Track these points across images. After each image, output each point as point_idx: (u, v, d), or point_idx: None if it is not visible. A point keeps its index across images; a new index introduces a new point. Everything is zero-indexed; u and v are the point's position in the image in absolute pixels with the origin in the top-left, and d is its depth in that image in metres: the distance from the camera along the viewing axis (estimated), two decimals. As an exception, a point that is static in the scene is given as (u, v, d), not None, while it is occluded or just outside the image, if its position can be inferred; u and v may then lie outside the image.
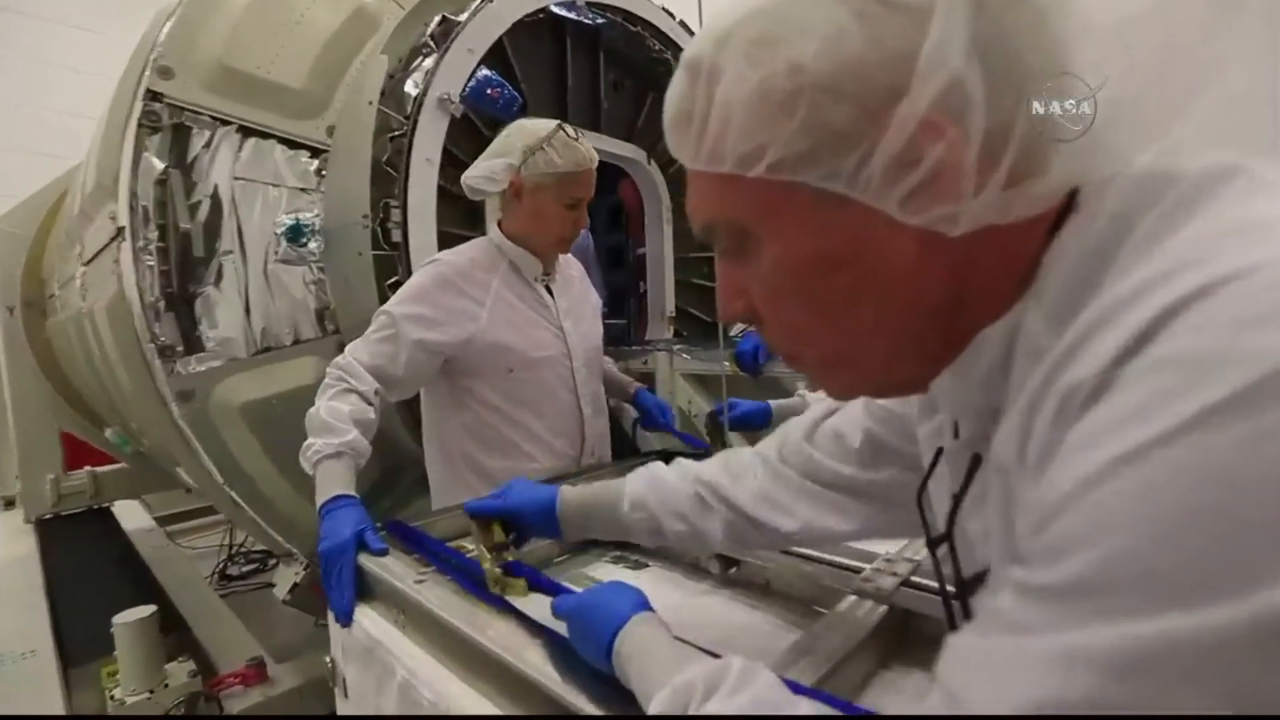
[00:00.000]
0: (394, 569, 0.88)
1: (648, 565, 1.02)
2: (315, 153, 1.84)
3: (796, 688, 0.51)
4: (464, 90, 1.83)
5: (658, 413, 1.61)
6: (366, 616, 0.88)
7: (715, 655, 0.58)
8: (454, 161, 1.89)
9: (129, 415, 2.31)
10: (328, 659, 0.97)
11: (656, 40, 2.48)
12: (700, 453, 1.47)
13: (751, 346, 2.00)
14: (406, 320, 1.28)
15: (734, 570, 0.93)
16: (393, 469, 1.86)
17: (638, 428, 1.69)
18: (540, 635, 0.67)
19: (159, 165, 1.62)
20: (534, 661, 0.63)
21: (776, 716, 0.44)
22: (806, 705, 0.46)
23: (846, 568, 0.81)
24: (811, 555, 0.86)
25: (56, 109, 4.78)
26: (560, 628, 0.65)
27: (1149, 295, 0.30)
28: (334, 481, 1.06)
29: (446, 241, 1.80)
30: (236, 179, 1.72)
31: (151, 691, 1.75)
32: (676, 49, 2.53)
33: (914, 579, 0.76)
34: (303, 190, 1.81)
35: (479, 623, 0.71)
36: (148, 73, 1.61)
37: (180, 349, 1.65)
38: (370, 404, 1.21)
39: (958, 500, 0.46)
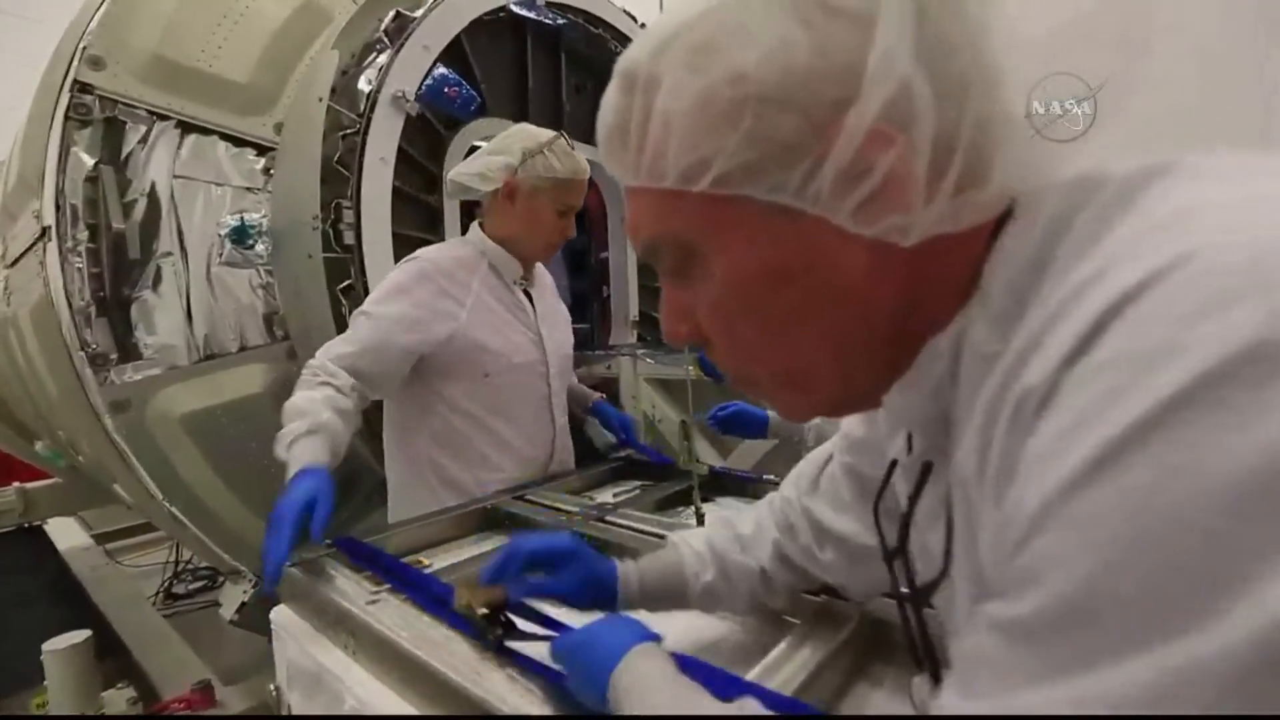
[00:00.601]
0: (344, 589, 0.83)
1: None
2: (262, 150, 1.76)
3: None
4: (420, 88, 1.78)
5: (619, 427, 1.59)
6: (312, 640, 0.83)
7: (726, 674, 0.56)
8: (409, 162, 1.83)
9: (60, 427, 2.17)
10: (271, 686, 0.91)
11: (618, 43, 2.46)
12: (666, 467, 1.45)
13: (716, 350, 2.00)
14: (386, 318, 1.24)
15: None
16: (347, 479, 1.79)
17: (600, 434, 1.66)
18: (534, 678, 0.62)
19: (89, 161, 1.53)
20: (497, 689, 0.59)
21: None
22: None
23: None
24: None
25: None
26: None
27: (1088, 295, 0.29)
28: (303, 455, 1.02)
29: (401, 244, 1.75)
30: (176, 177, 1.63)
31: (87, 715, 1.65)
32: (638, 51, 2.52)
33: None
34: (249, 189, 1.73)
35: (439, 647, 0.67)
36: (76, 62, 1.51)
37: (114, 357, 1.55)
38: (347, 396, 1.16)
39: (909, 511, 0.45)
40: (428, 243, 1.91)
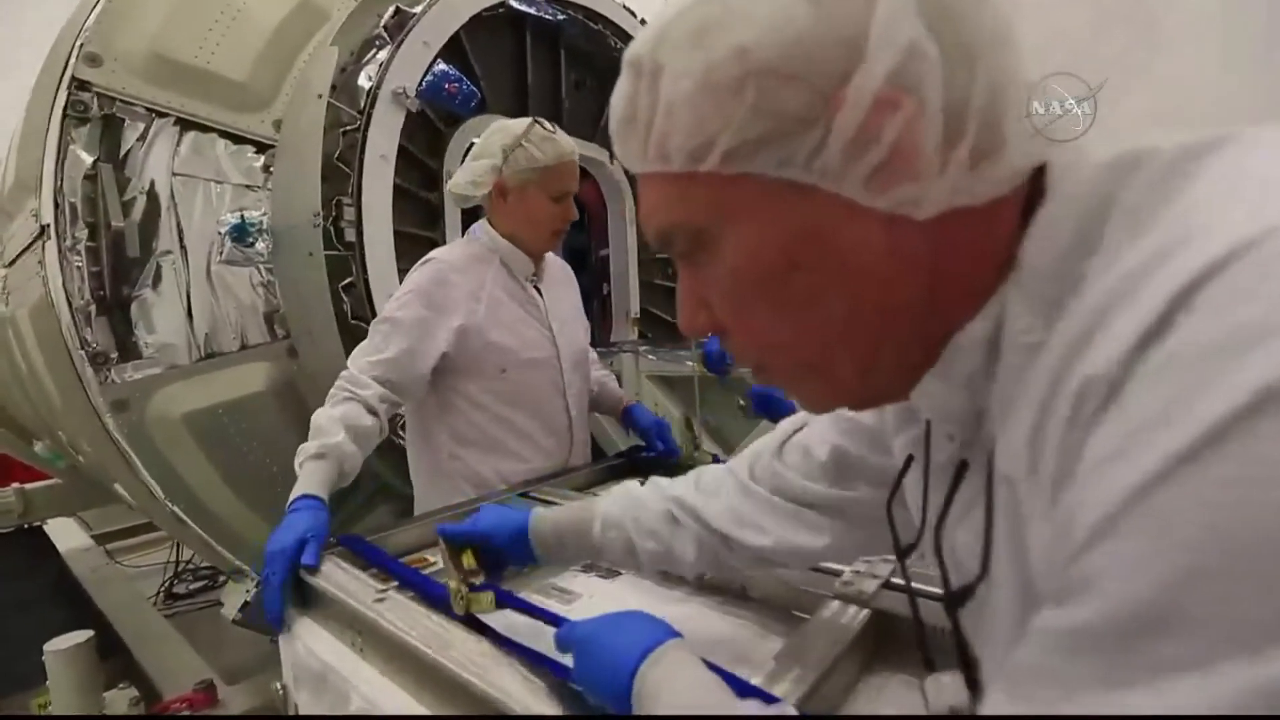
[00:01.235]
0: (349, 587, 0.82)
1: (620, 573, 0.99)
2: (261, 148, 1.75)
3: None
4: (420, 84, 1.77)
5: (654, 434, 1.50)
6: (318, 638, 0.82)
7: (758, 691, 0.55)
8: (409, 159, 1.83)
9: (59, 428, 2.16)
10: (277, 685, 0.91)
11: (618, 39, 2.45)
12: (670, 463, 1.44)
13: (719, 347, 1.99)
14: (409, 324, 1.25)
15: (709, 576, 0.90)
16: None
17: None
18: (532, 666, 0.61)
19: (87, 159, 1.52)
20: (507, 687, 0.59)
21: None
22: None
23: (825, 571, 0.79)
24: (788, 558, 0.83)
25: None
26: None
27: (1155, 275, 0.27)
28: (307, 481, 1.04)
29: (401, 242, 1.74)
30: (175, 175, 1.62)
31: (92, 716, 1.64)
32: (639, 47, 2.51)
33: (895, 581, 0.75)
34: (248, 187, 1.72)
35: (446, 644, 0.66)
36: (74, 60, 1.50)
37: (114, 356, 1.54)
38: (372, 411, 1.18)
39: (944, 512, 0.43)
40: (428, 240, 1.92)
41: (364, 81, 1.70)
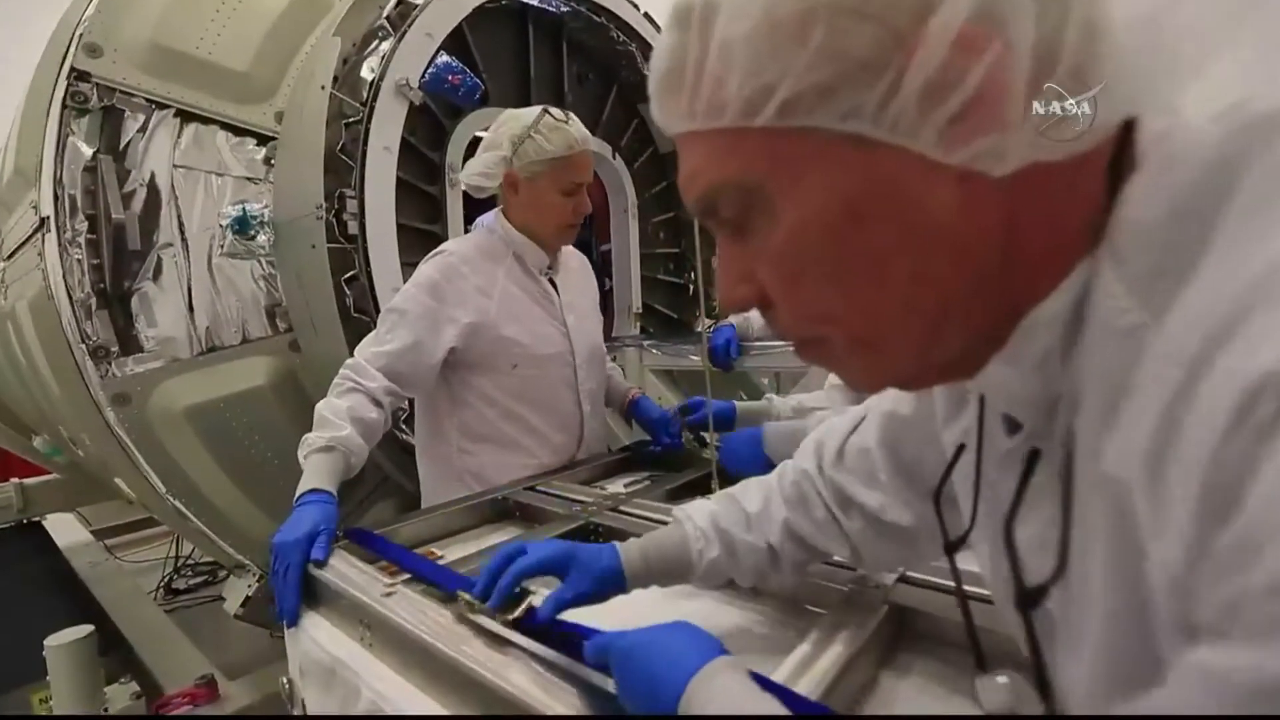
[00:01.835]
0: (357, 580, 0.82)
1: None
2: (263, 140, 1.74)
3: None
4: (423, 76, 1.75)
5: (662, 429, 1.48)
6: (326, 632, 0.81)
7: (816, 706, 0.53)
8: (411, 151, 1.81)
9: (59, 422, 2.15)
10: (284, 680, 0.90)
11: (621, 32, 2.43)
12: (675, 456, 1.42)
13: (724, 341, 1.98)
14: (417, 315, 1.23)
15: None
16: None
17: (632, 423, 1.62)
18: (558, 672, 0.60)
19: (87, 150, 1.51)
20: (521, 684, 0.58)
21: None
22: None
23: (839, 564, 0.78)
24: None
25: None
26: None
27: None
28: (315, 475, 1.03)
29: (404, 235, 1.73)
30: (176, 166, 1.61)
31: (93, 715, 1.64)
32: (641, 41, 2.49)
33: (910, 574, 0.74)
34: (250, 179, 1.71)
35: (457, 639, 0.65)
36: (73, 50, 1.49)
37: (115, 349, 1.53)
38: (377, 403, 1.16)
39: (1014, 505, 0.40)
40: (431, 234, 1.90)
41: (366, 73, 1.68)
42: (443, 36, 1.80)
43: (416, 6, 1.76)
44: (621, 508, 1.07)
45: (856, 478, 0.64)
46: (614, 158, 2.64)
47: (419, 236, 1.84)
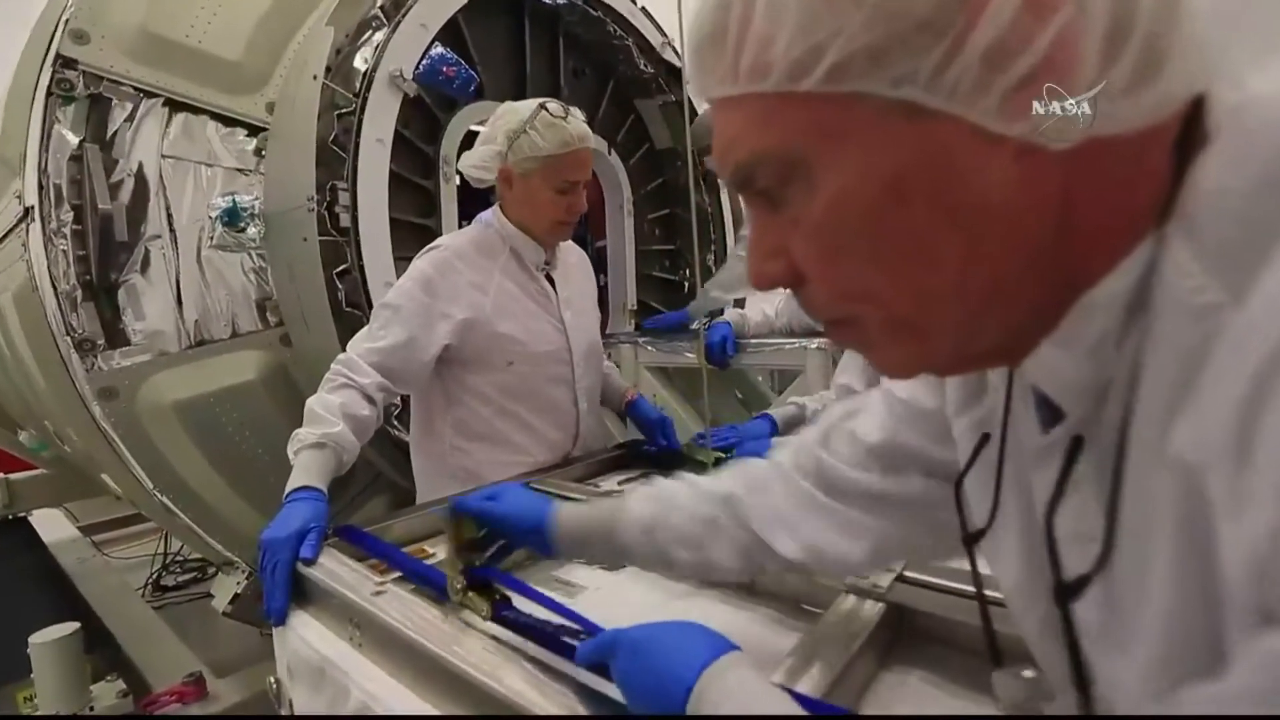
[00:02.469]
0: (346, 579, 0.80)
1: (623, 565, 0.97)
2: (254, 130, 1.71)
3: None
4: (417, 68, 1.73)
5: (658, 431, 1.46)
6: (315, 631, 0.80)
7: (830, 707, 0.52)
8: (404, 144, 1.79)
9: (45, 416, 2.12)
10: (271, 679, 0.88)
11: (617, 26, 2.42)
12: (667, 454, 1.41)
13: (720, 338, 1.97)
14: (410, 311, 1.22)
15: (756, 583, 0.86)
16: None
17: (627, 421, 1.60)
18: (554, 675, 0.58)
19: (73, 139, 1.48)
20: (512, 683, 0.57)
21: None
22: None
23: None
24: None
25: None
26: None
27: None
28: (305, 471, 1.01)
29: (398, 230, 1.71)
30: (164, 157, 1.58)
31: (75, 715, 1.61)
32: (638, 36, 2.48)
33: (908, 574, 0.73)
34: (240, 171, 1.68)
35: (447, 639, 0.64)
36: (59, 36, 1.46)
37: (101, 342, 1.51)
38: (369, 399, 1.14)
39: (1056, 495, 0.37)
40: (424, 228, 1.88)
41: (360, 64, 1.66)
42: (437, 28, 1.78)
43: (411, -3, 1.73)
44: (616, 505, 1.06)
45: (843, 461, 0.59)
46: (610, 153, 2.62)
47: (412, 230, 1.82)
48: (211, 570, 3.07)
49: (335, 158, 1.60)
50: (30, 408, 2.24)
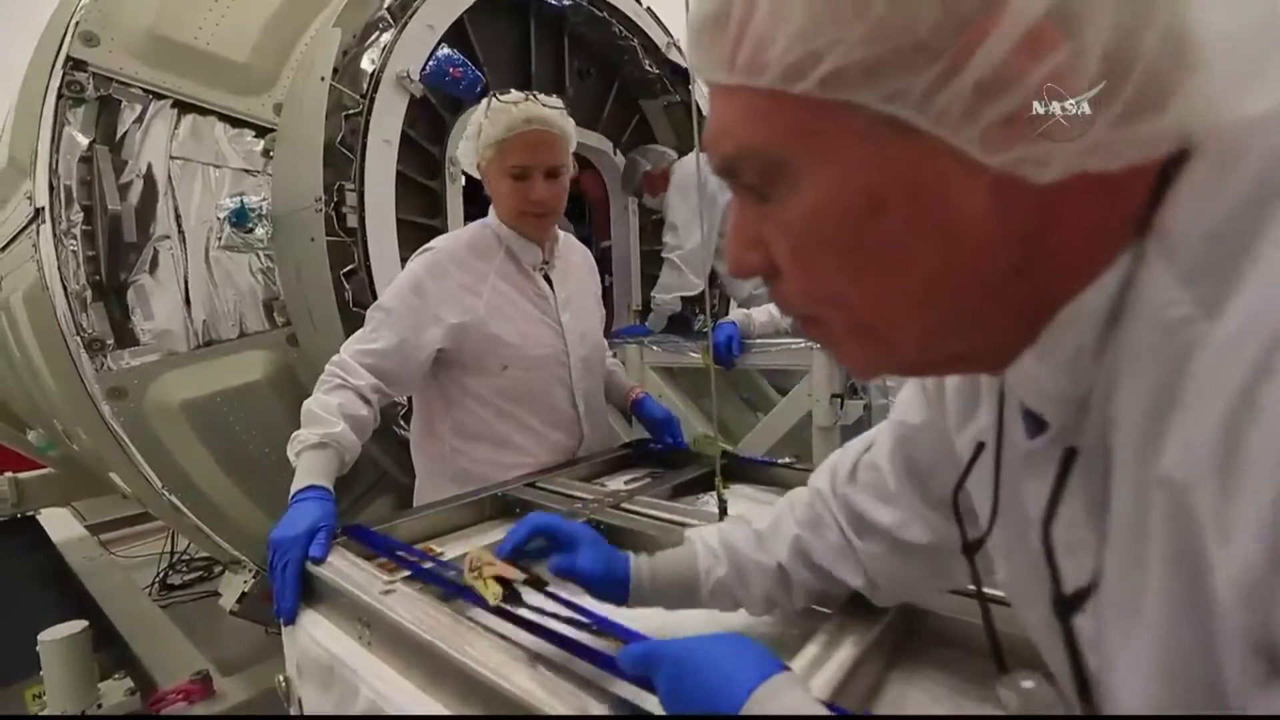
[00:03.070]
0: (355, 578, 0.80)
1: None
2: (261, 131, 1.72)
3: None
4: (424, 69, 1.74)
5: (664, 429, 1.46)
6: (325, 630, 0.80)
7: None
8: (411, 145, 1.80)
9: (54, 416, 2.13)
10: (280, 678, 0.89)
11: (623, 27, 2.42)
12: (674, 454, 1.41)
13: (725, 338, 1.97)
14: (401, 314, 1.21)
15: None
16: (348, 472, 1.76)
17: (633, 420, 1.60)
18: (566, 674, 0.58)
19: (83, 141, 1.49)
20: (522, 682, 0.57)
21: None
22: None
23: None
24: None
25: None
26: None
27: None
28: (310, 472, 1.01)
29: (404, 229, 1.71)
30: (173, 158, 1.59)
31: (83, 712, 1.62)
32: (644, 36, 2.48)
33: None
34: (248, 171, 1.69)
35: (458, 638, 0.64)
36: (69, 38, 1.47)
37: (110, 342, 1.51)
38: (366, 400, 1.14)
39: (1051, 507, 0.38)
40: (430, 228, 1.89)
41: (367, 65, 1.67)
42: (444, 29, 1.79)
43: (417, -2, 1.74)
44: (623, 505, 1.06)
45: (870, 494, 0.62)
46: (615, 154, 2.63)
47: (418, 231, 1.83)
48: (218, 569, 3.08)
49: (342, 159, 1.61)
50: (39, 407, 2.25)
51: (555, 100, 1.27)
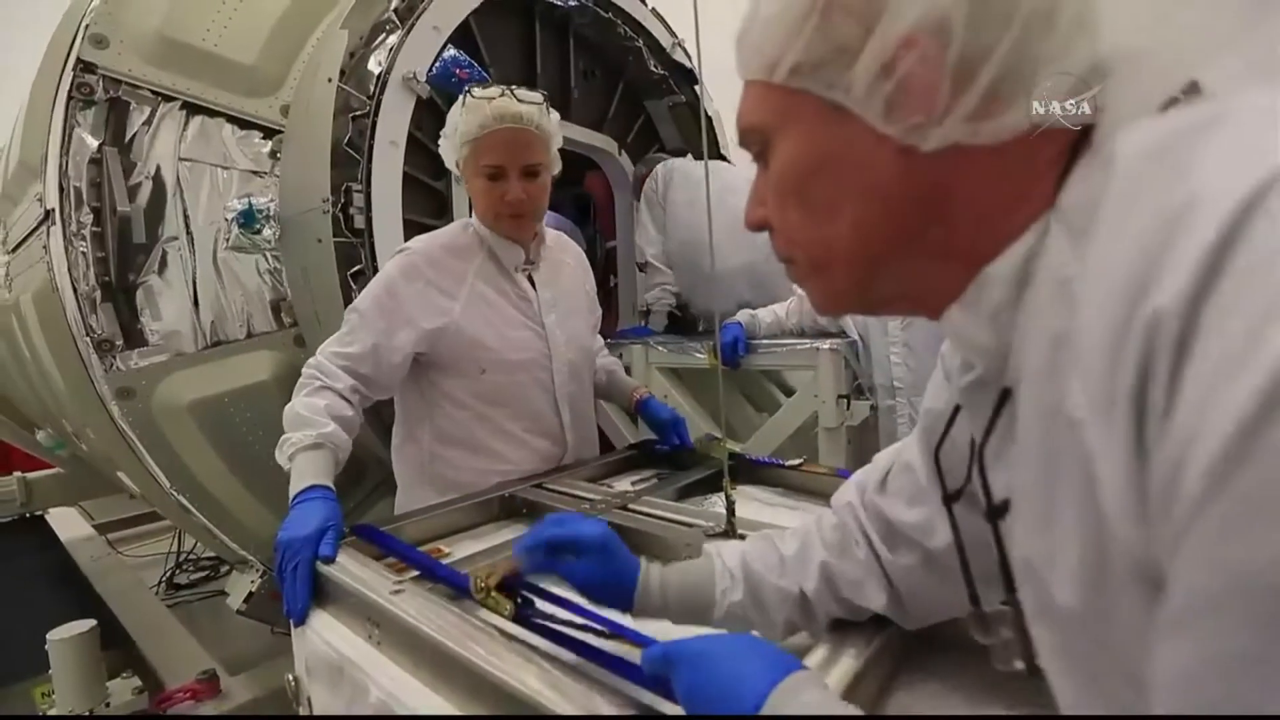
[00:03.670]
0: (364, 578, 0.81)
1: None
2: (269, 133, 1.73)
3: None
4: (430, 70, 1.75)
5: (671, 430, 1.42)
6: (334, 630, 0.80)
7: None
8: (417, 146, 1.80)
9: (63, 416, 2.14)
10: (289, 677, 0.89)
11: (628, 28, 2.42)
12: (680, 454, 1.40)
13: (731, 338, 1.97)
14: (374, 316, 1.19)
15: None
16: (355, 471, 1.77)
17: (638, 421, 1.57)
18: (571, 673, 0.57)
19: (93, 142, 1.49)
20: (531, 681, 0.57)
21: None
22: None
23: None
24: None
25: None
26: None
27: (1213, 198, 0.27)
28: (309, 472, 1.00)
29: (411, 230, 1.72)
30: (181, 159, 1.60)
31: (91, 711, 1.63)
32: (649, 37, 2.48)
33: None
34: (256, 173, 1.70)
35: (468, 638, 0.64)
36: (79, 41, 1.48)
37: (120, 343, 1.52)
38: (348, 401, 1.13)
39: (986, 434, 0.46)
40: (437, 229, 1.89)
41: (373, 66, 1.67)
42: (450, 30, 1.80)
43: (423, 0, 1.75)
44: (630, 506, 1.06)
45: (900, 500, 0.62)
46: (620, 154, 2.63)
47: (425, 232, 1.83)
48: (224, 569, 3.10)
49: (349, 160, 1.61)
50: (48, 407, 2.26)
51: (534, 95, 1.22)
